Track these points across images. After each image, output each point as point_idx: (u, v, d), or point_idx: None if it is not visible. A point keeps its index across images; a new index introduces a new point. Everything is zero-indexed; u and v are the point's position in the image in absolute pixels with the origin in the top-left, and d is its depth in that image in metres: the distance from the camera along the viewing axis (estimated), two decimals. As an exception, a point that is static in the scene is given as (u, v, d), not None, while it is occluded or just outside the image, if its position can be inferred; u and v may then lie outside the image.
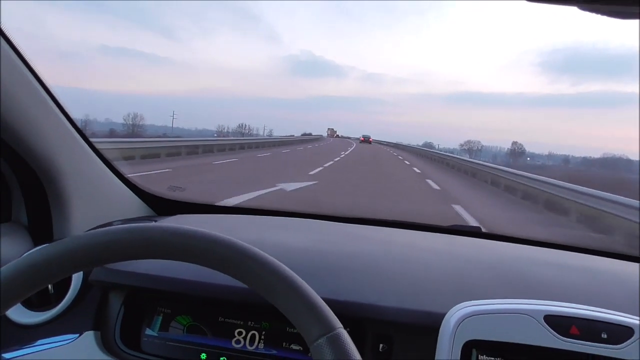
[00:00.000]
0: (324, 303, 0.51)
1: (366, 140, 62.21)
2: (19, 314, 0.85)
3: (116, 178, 1.16)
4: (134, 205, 1.22)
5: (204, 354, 0.82)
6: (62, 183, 0.97)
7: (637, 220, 6.17)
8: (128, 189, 1.20)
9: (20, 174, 0.95)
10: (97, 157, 1.08)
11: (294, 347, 0.81)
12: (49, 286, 0.87)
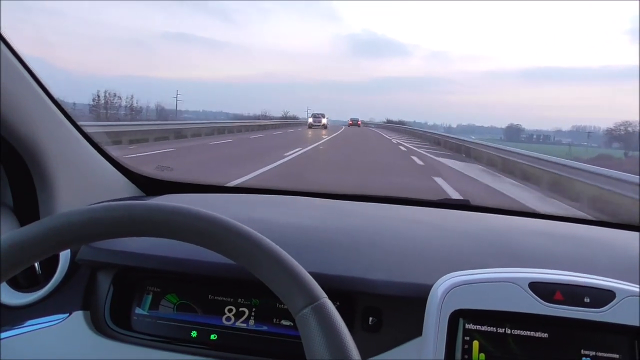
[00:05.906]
0: (308, 274, 0.51)
1: (354, 123, 62.70)
2: (6, 295, 0.84)
3: (103, 159, 1.14)
4: (122, 186, 1.21)
5: (194, 332, 0.82)
6: (47, 164, 0.95)
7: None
8: (116, 170, 1.19)
9: (4, 155, 0.94)
10: (83, 138, 1.07)
11: (284, 322, 0.81)
12: (37, 267, 0.87)
